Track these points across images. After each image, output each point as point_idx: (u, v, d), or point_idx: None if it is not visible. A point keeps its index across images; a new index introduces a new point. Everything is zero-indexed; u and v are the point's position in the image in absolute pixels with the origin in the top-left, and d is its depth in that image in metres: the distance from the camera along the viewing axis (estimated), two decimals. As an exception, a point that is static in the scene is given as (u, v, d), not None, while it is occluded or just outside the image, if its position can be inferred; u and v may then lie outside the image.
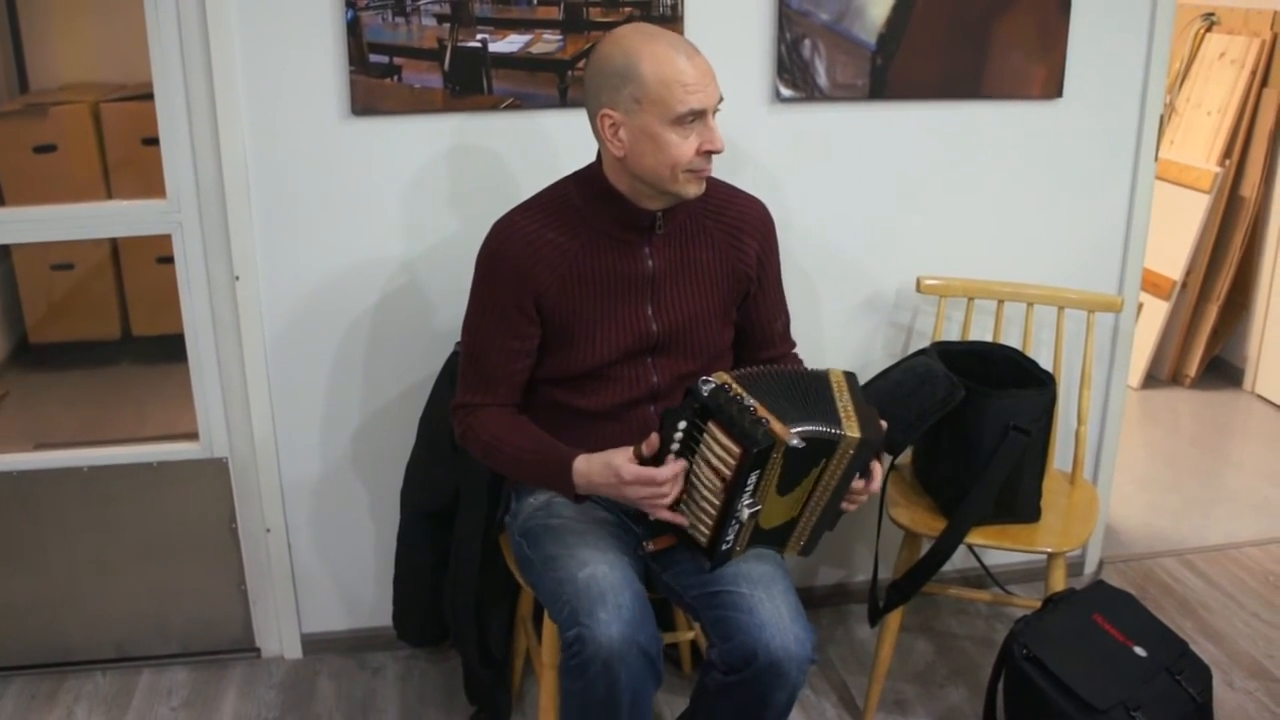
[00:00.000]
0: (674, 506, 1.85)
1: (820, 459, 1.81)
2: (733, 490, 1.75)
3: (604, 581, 1.83)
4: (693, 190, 1.94)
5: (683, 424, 1.78)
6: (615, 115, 1.87)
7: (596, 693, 1.80)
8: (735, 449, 1.72)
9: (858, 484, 1.90)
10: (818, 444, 1.78)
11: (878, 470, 1.92)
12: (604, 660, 1.77)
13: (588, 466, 1.89)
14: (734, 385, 1.78)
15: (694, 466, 1.79)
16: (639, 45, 1.83)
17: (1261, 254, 4.28)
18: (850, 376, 1.92)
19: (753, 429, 1.70)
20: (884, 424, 1.87)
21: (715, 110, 1.89)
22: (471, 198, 2.43)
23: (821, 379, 1.90)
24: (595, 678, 1.78)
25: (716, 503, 1.78)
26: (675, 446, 1.80)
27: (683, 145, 1.86)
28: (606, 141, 1.91)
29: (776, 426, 1.72)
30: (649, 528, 1.93)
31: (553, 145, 2.42)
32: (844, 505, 1.93)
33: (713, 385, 1.77)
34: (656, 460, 1.82)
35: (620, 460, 1.83)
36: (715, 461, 1.75)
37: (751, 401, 1.75)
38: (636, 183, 1.94)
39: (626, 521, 2.05)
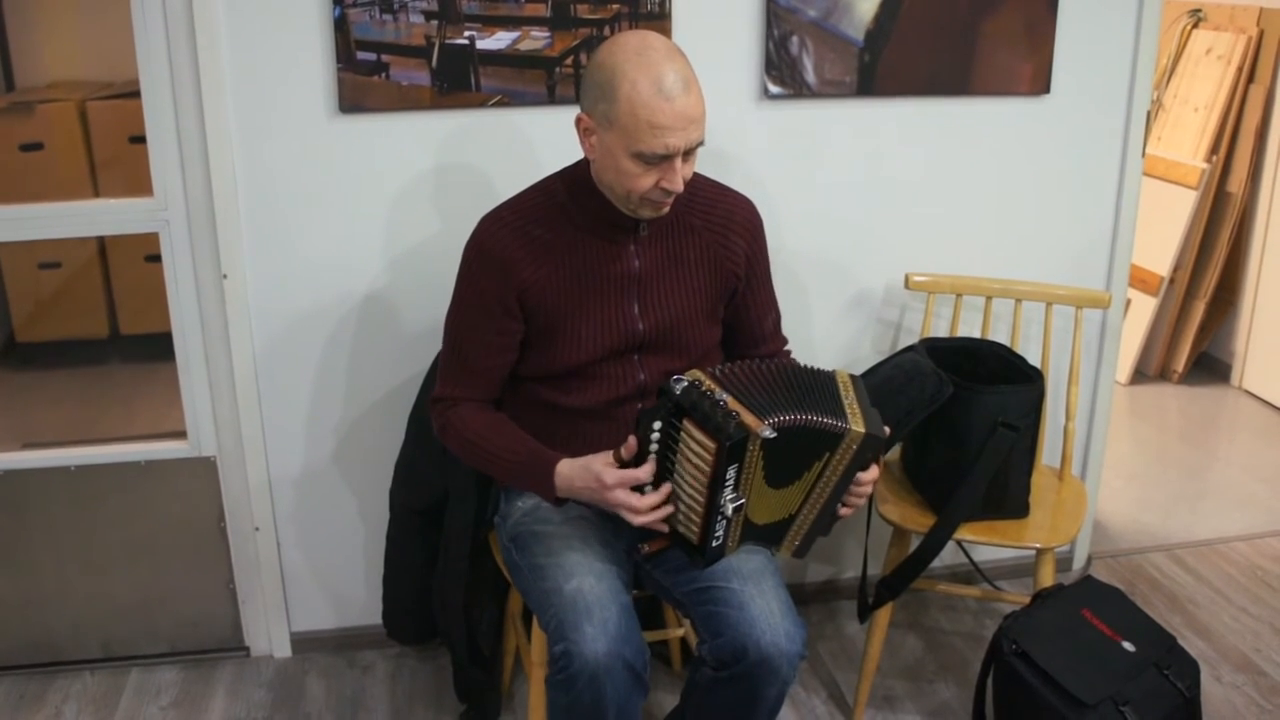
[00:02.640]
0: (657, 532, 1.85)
1: (823, 453, 1.82)
2: (714, 486, 1.75)
3: (590, 595, 1.82)
4: (647, 214, 1.93)
5: (658, 424, 1.78)
6: (589, 123, 1.87)
7: (582, 707, 1.80)
8: (710, 444, 1.72)
9: (861, 475, 1.90)
10: (821, 437, 1.79)
11: (874, 469, 1.92)
12: (590, 675, 1.77)
13: (570, 470, 1.88)
14: (706, 381, 1.78)
15: (676, 465, 1.79)
16: (628, 67, 1.78)
17: (1248, 250, 4.29)
18: (855, 378, 1.92)
19: (725, 422, 1.71)
20: (887, 429, 1.87)
21: (689, 152, 1.85)
22: (459, 195, 2.43)
23: (828, 377, 1.90)
24: (581, 692, 1.78)
25: (701, 499, 1.78)
26: (654, 447, 1.80)
27: (640, 177, 1.84)
28: (580, 141, 1.91)
29: (749, 419, 1.73)
30: (641, 531, 1.92)
31: (540, 143, 2.42)
32: (841, 509, 1.93)
33: (685, 383, 1.77)
34: (637, 463, 1.82)
35: (600, 465, 1.83)
36: (694, 458, 1.75)
37: (724, 396, 1.75)
38: (604, 189, 1.94)
39: (618, 525, 2.04)
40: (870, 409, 1.86)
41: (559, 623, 1.81)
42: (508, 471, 1.99)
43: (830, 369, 1.93)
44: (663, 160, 1.82)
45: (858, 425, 1.80)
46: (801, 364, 1.93)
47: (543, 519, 2.02)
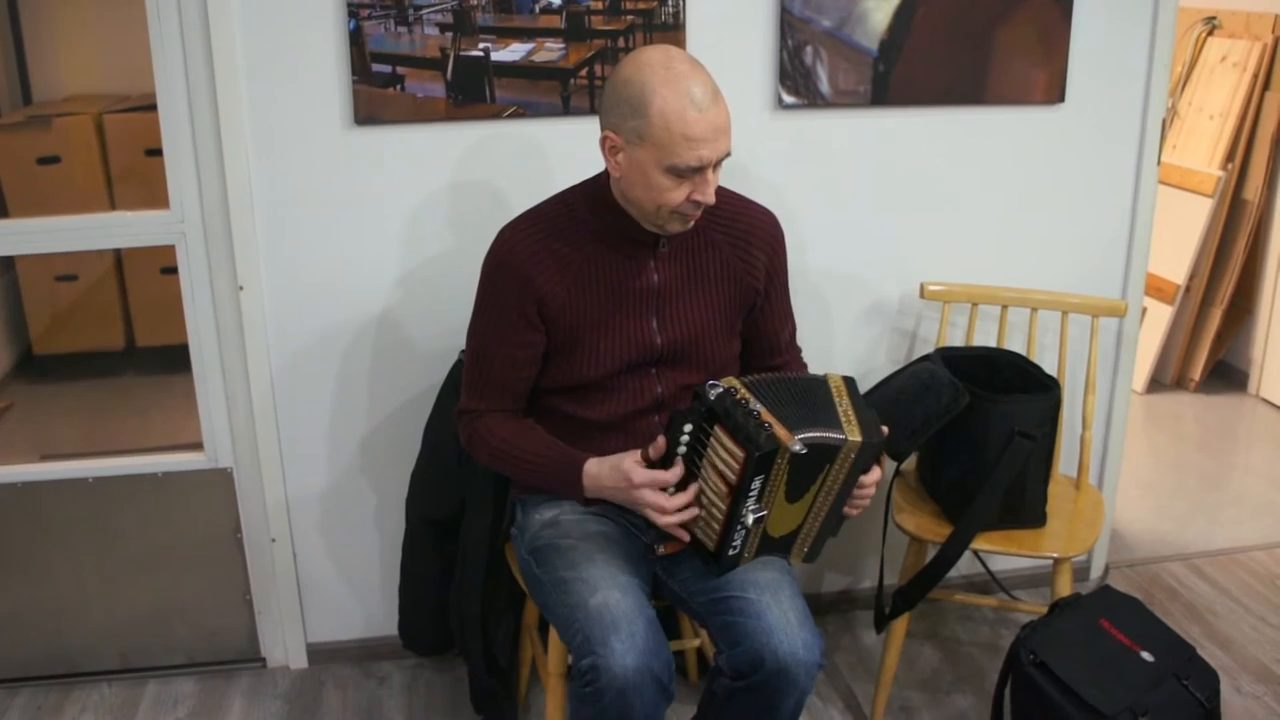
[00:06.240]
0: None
1: (823, 465, 1.81)
2: (737, 495, 1.75)
3: (616, 609, 1.82)
4: (675, 228, 1.94)
5: (689, 427, 1.78)
6: (617, 140, 1.86)
7: None
8: (739, 453, 1.72)
9: (863, 478, 1.90)
10: (821, 450, 1.78)
11: (876, 470, 1.92)
12: (618, 690, 1.77)
13: (598, 469, 1.89)
14: (741, 390, 1.78)
15: (701, 470, 1.79)
16: (657, 82, 1.79)
17: (1265, 257, 4.27)
18: (849, 381, 1.92)
19: (756, 433, 1.70)
20: (885, 428, 1.86)
21: (717, 164, 1.86)
22: (475, 207, 2.44)
23: (820, 384, 1.90)
24: (609, 706, 1.78)
25: (722, 507, 1.78)
26: (682, 449, 1.80)
27: (673, 191, 1.85)
28: (605, 160, 1.91)
29: (780, 432, 1.72)
30: (658, 533, 1.93)
31: (556, 154, 2.42)
32: (847, 510, 1.93)
33: (720, 389, 1.77)
34: (664, 463, 1.82)
35: (629, 464, 1.84)
36: (721, 466, 1.75)
37: (757, 406, 1.75)
38: (630, 205, 1.94)
39: (634, 531, 2.04)
40: (865, 411, 1.85)
41: (585, 637, 1.80)
42: (536, 474, 1.99)
43: (822, 373, 1.93)
44: (695, 173, 1.83)
45: (853, 435, 1.80)
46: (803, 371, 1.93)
47: (562, 532, 2.01)
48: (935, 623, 2.92)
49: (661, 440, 1.82)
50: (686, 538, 1.86)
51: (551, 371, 2.04)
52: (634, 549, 2.01)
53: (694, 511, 1.83)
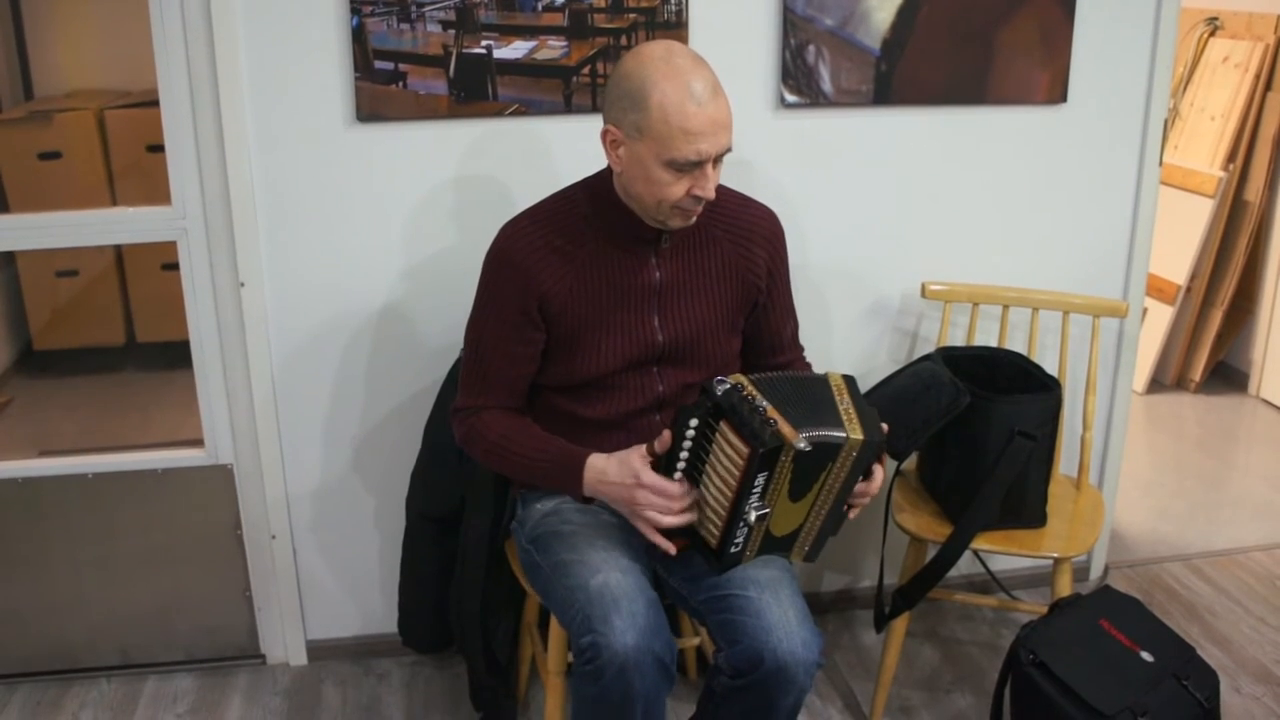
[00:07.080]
0: (676, 533, 1.85)
1: (825, 463, 1.82)
2: (740, 492, 1.75)
3: (617, 589, 1.82)
4: (677, 223, 1.94)
5: (694, 422, 1.78)
6: (617, 134, 1.87)
7: (610, 700, 1.80)
8: (744, 449, 1.72)
9: (860, 486, 1.90)
10: (823, 448, 1.78)
11: (879, 471, 1.92)
12: (619, 668, 1.77)
13: (604, 464, 1.88)
14: (748, 386, 1.78)
15: (706, 467, 1.79)
16: (657, 76, 1.79)
17: (1266, 258, 4.27)
18: (849, 379, 1.92)
19: (761, 430, 1.71)
20: (885, 426, 1.86)
21: (718, 159, 1.86)
22: (477, 204, 2.44)
23: (820, 382, 1.90)
24: (609, 685, 1.78)
25: (725, 503, 1.78)
26: (688, 444, 1.80)
27: (672, 186, 1.85)
28: (606, 154, 1.91)
29: (785, 429, 1.73)
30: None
31: (558, 151, 2.42)
32: (847, 510, 1.93)
33: (727, 385, 1.77)
34: (670, 458, 1.82)
35: (638, 461, 1.83)
36: (725, 461, 1.75)
37: (764, 403, 1.75)
38: (631, 200, 1.94)
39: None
40: (866, 410, 1.86)
41: (585, 616, 1.80)
42: (535, 468, 1.98)
43: (822, 372, 1.93)
44: (694, 167, 1.83)
45: (855, 433, 1.80)
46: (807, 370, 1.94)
47: (563, 519, 2.02)
48: (935, 622, 2.92)
49: (667, 434, 1.81)
50: (672, 550, 1.86)
51: (552, 369, 2.04)
52: (636, 539, 2.01)
53: (686, 520, 1.84)
